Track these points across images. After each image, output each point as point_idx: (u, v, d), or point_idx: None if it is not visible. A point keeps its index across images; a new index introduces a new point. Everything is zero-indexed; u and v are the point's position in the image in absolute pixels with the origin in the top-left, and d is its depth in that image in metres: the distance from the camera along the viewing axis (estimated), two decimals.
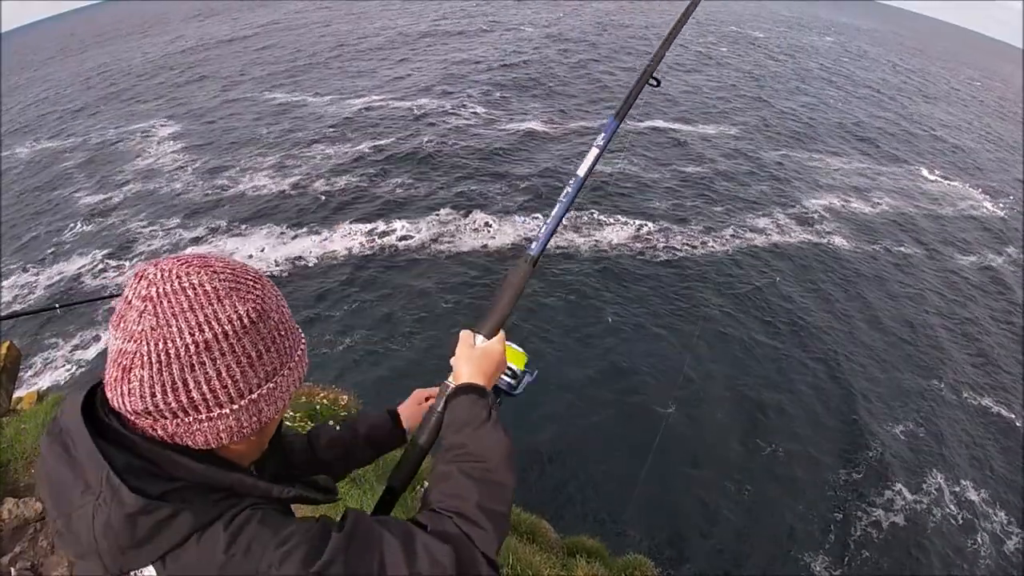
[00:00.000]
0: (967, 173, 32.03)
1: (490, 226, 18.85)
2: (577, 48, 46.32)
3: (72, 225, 19.82)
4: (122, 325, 0.88)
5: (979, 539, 11.52)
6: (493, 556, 1.06)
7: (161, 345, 0.85)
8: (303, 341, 1.06)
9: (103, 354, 13.43)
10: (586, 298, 15.87)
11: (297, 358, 1.02)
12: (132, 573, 0.87)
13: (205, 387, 0.88)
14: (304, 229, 18.31)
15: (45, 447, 0.92)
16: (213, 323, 0.87)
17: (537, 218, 19.21)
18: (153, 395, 0.86)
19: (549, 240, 1.58)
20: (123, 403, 0.88)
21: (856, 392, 14.26)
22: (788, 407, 13.50)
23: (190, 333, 0.86)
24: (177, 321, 0.86)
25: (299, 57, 43.68)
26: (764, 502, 11.28)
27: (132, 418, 0.90)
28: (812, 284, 18.17)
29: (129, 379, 0.87)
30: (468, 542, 1.04)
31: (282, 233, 18.12)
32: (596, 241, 18.38)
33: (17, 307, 15.09)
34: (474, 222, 19.00)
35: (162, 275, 0.88)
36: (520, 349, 1.60)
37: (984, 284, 20.50)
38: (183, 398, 0.87)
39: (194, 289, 0.87)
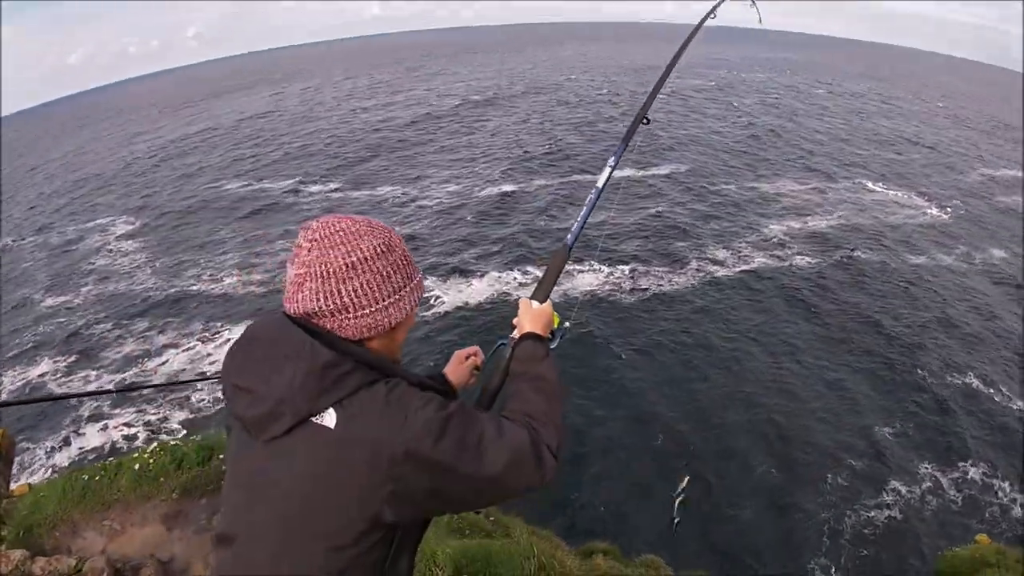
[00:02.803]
0: (907, 181, 33.61)
1: (471, 284, 19.33)
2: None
3: (34, 328, 19.24)
4: (297, 259, 1.27)
5: (986, 514, 11.75)
6: (555, 450, 1.40)
7: (323, 267, 1.23)
8: (419, 272, 1.42)
9: (79, 456, 13.11)
10: (591, 340, 16.29)
11: (416, 282, 1.38)
12: (316, 417, 1.16)
13: (353, 294, 1.25)
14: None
15: (240, 348, 1.28)
16: (357, 251, 1.26)
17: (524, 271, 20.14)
18: (318, 299, 1.24)
19: (580, 234, 2.08)
20: (298, 308, 1.26)
21: (849, 395, 14.84)
22: (787, 414, 13.94)
23: (342, 257, 1.24)
24: (333, 251, 1.24)
25: (265, 148, 43.66)
26: (768, 507, 11.48)
27: (303, 319, 1.27)
28: (784, 300, 18.90)
29: (303, 290, 1.25)
30: (537, 434, 1.38)
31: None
32: (591, 286, 18.99)
33: None
34: (460, 284, 19.43)
35: (321, 225, 1.28)
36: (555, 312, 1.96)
37: (938, 280, 21.44)
38: (338, 301, 1.24)
39: (344, 231, 1.27)
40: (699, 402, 14.22)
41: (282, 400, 1.15)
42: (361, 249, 1.27)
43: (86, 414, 14.73)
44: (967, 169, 37.79)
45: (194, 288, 21.00)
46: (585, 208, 2.11)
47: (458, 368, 1.97)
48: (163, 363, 16.78)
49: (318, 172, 34.93)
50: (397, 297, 1.32)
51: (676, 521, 10.94)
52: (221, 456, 3.94)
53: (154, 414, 14.56)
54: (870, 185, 31.92)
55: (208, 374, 15.54)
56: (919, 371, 15.90)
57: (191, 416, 14.34)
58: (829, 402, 14.50)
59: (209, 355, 16.82)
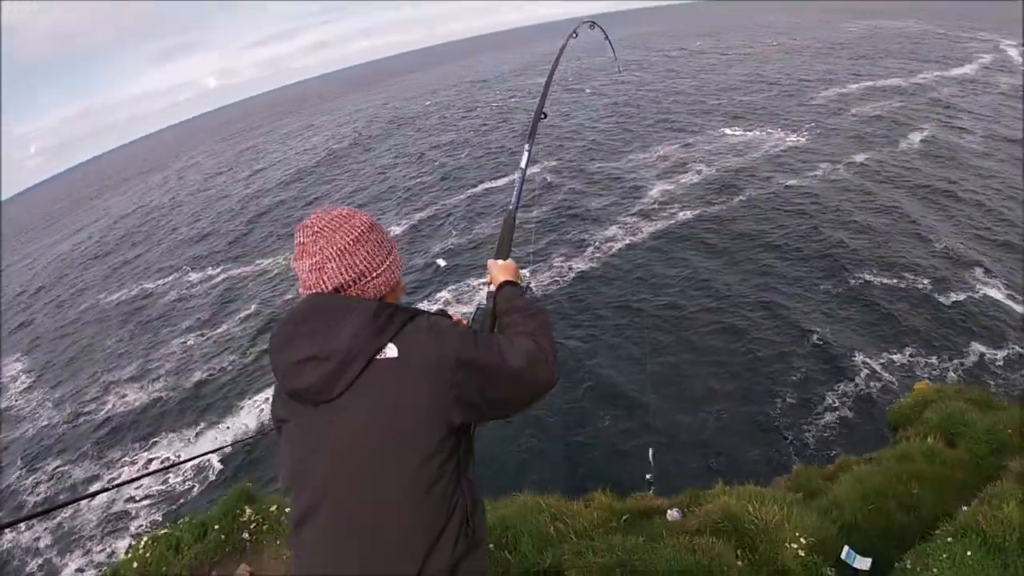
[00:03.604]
0: (761, 118, 36.15)
1: None
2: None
3: None
4: (304, 253, 1.51)
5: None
6: (554, 355, 1.68)
7: (334, 248, 1.48)
8: None
9: None
10: None
11: (396, 248, 1.66)
12: (382, 353, 1.40)
13: (365, 262, 1.52)
14: (203, 424, 16.98)
15: (286, 332, 1.46)
16: (354, 229, 1.53)
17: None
18: (342, 273, 1.48)
19: (518, 203, 2.51)
20: (326, 287, 1.49)
21: (774, 318, 15.86)
22: (724, 353, 14.80)
23: (345, 235, 1.50)
24: (337, 234, 1.50)
25: (140, 248, 41.13)
26: (732, 446, 12.03)
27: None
28: (689, 250, 19.95)
29: (325, 271, 1.48)
30: (537, 344, 1.66)
31: (182, 435, 16.77)
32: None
33: None
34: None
35: (314, 220, 1.53)
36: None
37: (816, 192, 23.25)
38: (357, 270, 1.50)
39: (337, 218, 1.54)
40: (640, 363, 14.73)
41: (351, 348, 1.38)
42: (356, 227, 1.53)
43: (35, 570, 13.77)
44: (813, 93, 40.99)
45: (100, 413, 19.59)
46: (517, 184, 2.56)
47: None
48: (92, 497, 15.66)
49: (199, 258, 33.46)
50: (392, 258, 1.61)
51: (650, 477, 11.27)
52: (217, 527, 3.75)
53: (100, 551, 13.68)
54: (728, 131, 34.02)
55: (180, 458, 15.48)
56: (829, 277, 17.24)
57: (134, 542, 13.45)
58: (758, 330, 15.38)
59: (137, 482, 15.67)
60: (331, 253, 1.48)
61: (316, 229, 1.51)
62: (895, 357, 13.89)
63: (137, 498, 14.95)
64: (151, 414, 18.60)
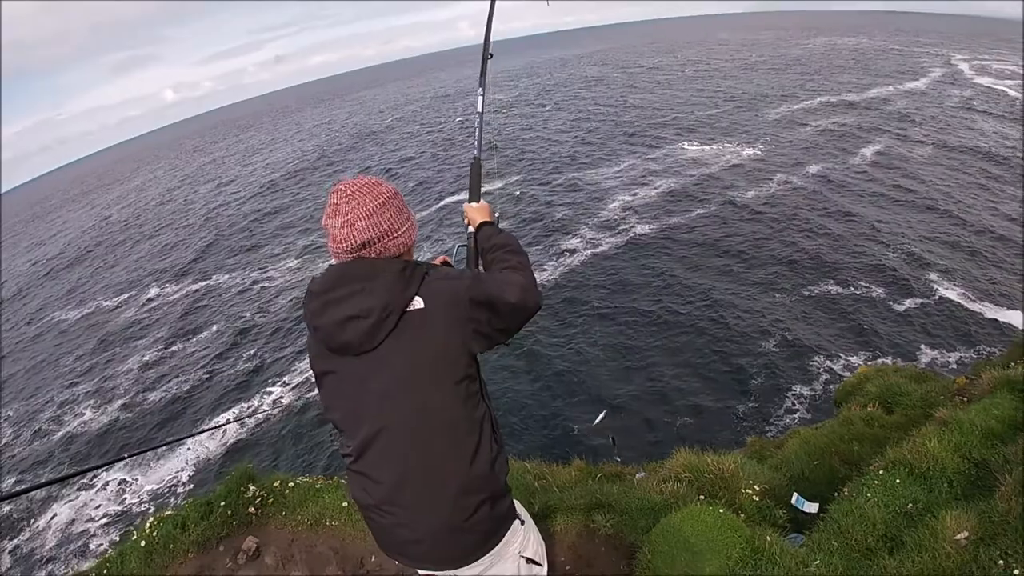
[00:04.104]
0: (719, 132, 37.34)
1: None
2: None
3: None
4: (337, 212, 1.69)
5: None
6: (536, 283, 1.90)
7: (364, 208, 1.68)
8: None
9: None
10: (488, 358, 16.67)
11: (414, 216, 1.87)
12: (411, 305, 1.64)
13: (389, 221, 1.72)
14: (163, 447, 16.55)
15: (324, 295, 1.67)
16: (381, 194, 1.72)
17: None
18: (370, 230, 1.68)
19: (480, 148, 2.70)
20: (354, 241, 1.68)
21: (732, 325, 16.34)
22: (683, 364, 15.13)
23: (374, 199, 1.70)
24: (366, 197, 1.70)
25: (101, 264, 40.46)
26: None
27: (356, 251, 1.71)
28: (656, 258, 20.62)
29: (356, 227, 1.67)
30: (524, 276, 1.88)
31: (143, 456, 16.42)
32: None
33: None
34: None
35: (347, 185, 1.73)
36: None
37: (776, 201, 24.27)
38: (382, 229, 1.70)
39: (367, 183, 1.74)
40: (606, 366, 15.22)
41: (386, 305, 1.62)
42: (382, 192, 1.74)
43: None
44: (768, 108, 42.62)
45: (59, 433, 19.35)
46: (476, 130, 2.78)
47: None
48: (52, 518, 15.49)
49: (161, 274, 33.12)
50: (411, 222, 1.83)
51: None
52: (223, 504, 3.91)
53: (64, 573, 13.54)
54: (687, 144, 35.10)
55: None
56: (788, 282, 18.00)
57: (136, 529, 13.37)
58: (721, 333, 16.01)
59: (95, 502, 15.62)
60: (361, 213, 1.69)
61: (349, 192, 1.72)
62: (852, 359, 14.48)
63: (96, 517, 14.89)
64: (111, 434, 18.39)
